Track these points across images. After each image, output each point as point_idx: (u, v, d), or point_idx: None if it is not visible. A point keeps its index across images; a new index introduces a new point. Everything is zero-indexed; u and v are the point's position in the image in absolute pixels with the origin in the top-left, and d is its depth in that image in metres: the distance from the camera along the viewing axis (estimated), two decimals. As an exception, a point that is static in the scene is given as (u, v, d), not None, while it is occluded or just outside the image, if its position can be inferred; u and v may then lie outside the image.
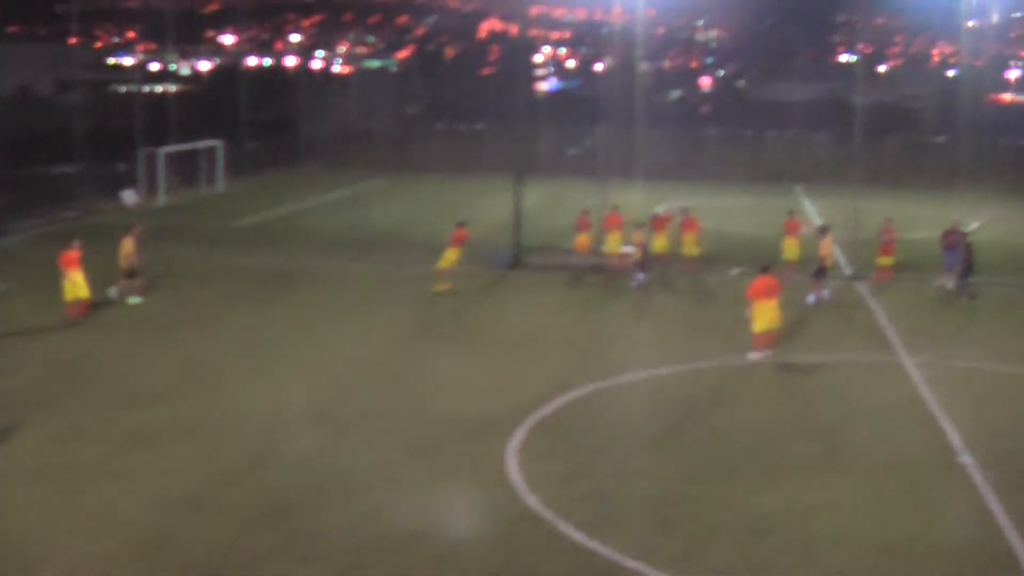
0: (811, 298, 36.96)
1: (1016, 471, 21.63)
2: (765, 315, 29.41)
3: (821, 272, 37.51)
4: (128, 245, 34.68)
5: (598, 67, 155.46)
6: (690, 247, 41.98)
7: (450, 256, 37.88)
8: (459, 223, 39.14)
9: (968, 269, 38.47)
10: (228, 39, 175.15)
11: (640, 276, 39.80)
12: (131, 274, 34.64)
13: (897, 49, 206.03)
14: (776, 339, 29.81)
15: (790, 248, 41.39)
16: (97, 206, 55.08)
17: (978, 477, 21.17)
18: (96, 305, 32.95)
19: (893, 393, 26.96)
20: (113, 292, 34.48)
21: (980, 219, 56.28)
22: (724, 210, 60.74)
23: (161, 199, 59.11)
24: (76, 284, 31.92)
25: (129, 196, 57.91)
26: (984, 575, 17.13)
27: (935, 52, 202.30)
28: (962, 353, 30.94)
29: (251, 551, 17.30)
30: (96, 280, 32.93)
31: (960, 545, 18.16)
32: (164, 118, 66.52)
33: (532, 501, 19.49)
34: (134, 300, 34.53)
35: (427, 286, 37.86)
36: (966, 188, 73.67)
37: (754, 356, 29.55)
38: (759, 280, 29.94)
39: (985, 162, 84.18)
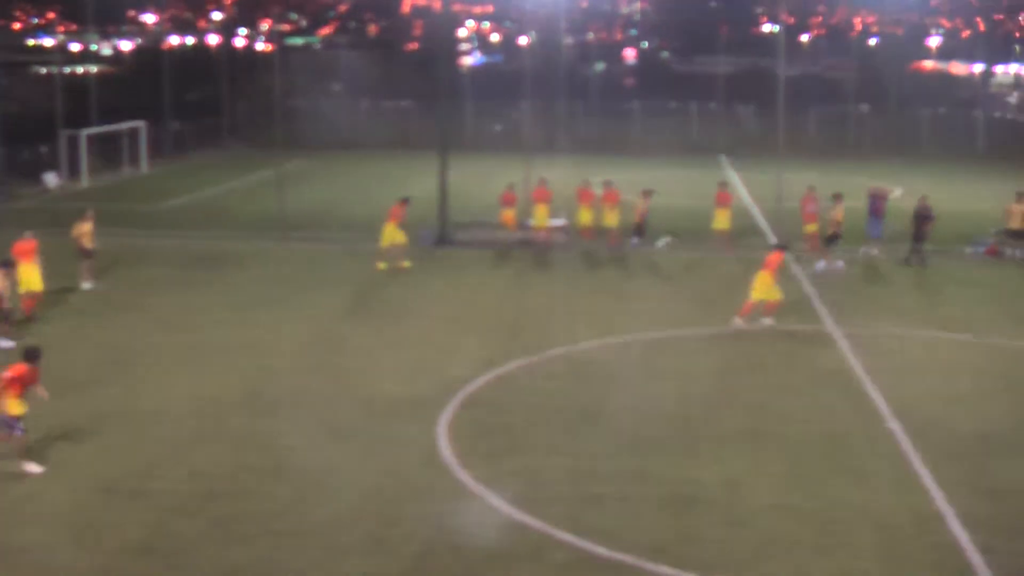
0: (821, 264, 37.44)
1: (942, 436, 21.89)
2: (764, 285, 30.10)
3: (834, 239, 38.08)
4: (85, 227, 34.20)
5: (522, 41, 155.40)
6: (611, 219, 42.09)
7: (389, 233, 37.79)
8: (401, 200, 39.18)
9: (921, 235, 39.17)
10: (150, 18, 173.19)
11: (636, 240, 41.55)
12: (88, 255, 34.16)
13: (819, 19, 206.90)
14: (773, 309, 30.39)
15: (721, 219, 41.64)
16: (18, 191, 54.42)
17: (905, 443, 21.42)
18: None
19: (820, 362, 27.21)
20: (87, 285, 34.15)
21: (902, 187, 56.88)
22: (649, 182, 60.88)
23: (84, 182, 58.49)
24: (30, 277, 30.52)
25: (51, 179, 57.24)
26: (913, 539, 17.31)
27: (857, 22, 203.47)
28: (887, 321, 31.28)
29: (181, 535, 17.21)
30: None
31: (889, 511, 18.35)
32: (86, 100, 65.66)
33: (463, 477, 19.51)
34: (87, 285, 34.16)
35: (355, 265, 37.80)
36: (890, 157, 74.46)
37: (737, 322, 30.15)
38: (774, 254, 31.07)
39: (908, 130, 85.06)
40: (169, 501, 18.50)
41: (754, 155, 70.21)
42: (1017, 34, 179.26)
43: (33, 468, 19.79)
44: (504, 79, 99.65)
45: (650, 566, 16.21)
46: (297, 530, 17.43)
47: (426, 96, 75.93)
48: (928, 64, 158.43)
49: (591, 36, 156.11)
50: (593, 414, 23.12)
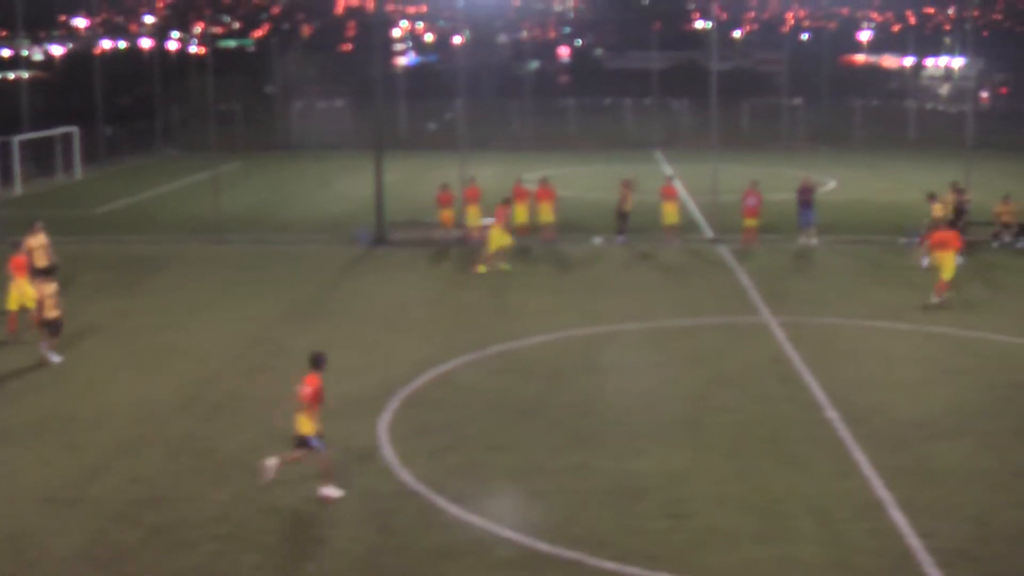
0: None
1: (880, 423, 22.09)
2: (945, 264, 32.02)
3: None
4: (35, 241, 32.99)
5: (456, 40, 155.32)
6: (546, 216, 42.16)
7: (497, 237, 37.36)
8: (503, 201, 39.15)
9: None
10: (81, 23, 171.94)
11: (621, 237, 42.05)
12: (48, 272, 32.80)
13: (751, 14, 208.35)
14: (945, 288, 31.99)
15: (669, 213, 41.88)
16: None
17: (844, 431, 21.60)
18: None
19: (758, 353, 27.38)
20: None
21: (835, 178, 57.37)
22: (585, 178, 61.12)
23: (18, 189, 57.88)
24: (24, 292, 29.16)
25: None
26: (853, 526, 17.44)
27: (788, 16, 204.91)
28: (823, 310, 31.54)
29: (122, 542, 17.06)
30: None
31: (829, 498, 18.49)
32: (17, 105, 65.03)
33: (405, 476, 19.48)
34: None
35: (293, 267, 37.73)
36: (822, 148, 75.04)
37: (935, 300, 31.98)
38: (939, 234, 33.19)
39: (840, 122, 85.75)
40: (109, 508, 18.33)
41: (688, 149, 70.59)
42: (947, 27, 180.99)
43: (333, 492, 18.69)
44: (438, 78, 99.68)
45: (593, 560, 16.24)
46: (239, 534, 17.33)
47: (360, 96, 75.86)
48: (859, 57, 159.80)
49: (525, 34, 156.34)
50: (534, 410, 23.15)
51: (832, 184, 56.84)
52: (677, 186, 43.50)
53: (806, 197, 41.69)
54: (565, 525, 17.46)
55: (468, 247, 40.87)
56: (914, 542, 16.78)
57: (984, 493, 18.88)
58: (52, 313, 26.99)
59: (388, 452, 20.64)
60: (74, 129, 65.58)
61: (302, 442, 18.57)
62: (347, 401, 23.52)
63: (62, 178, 64.17)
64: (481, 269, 37.06)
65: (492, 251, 37.27)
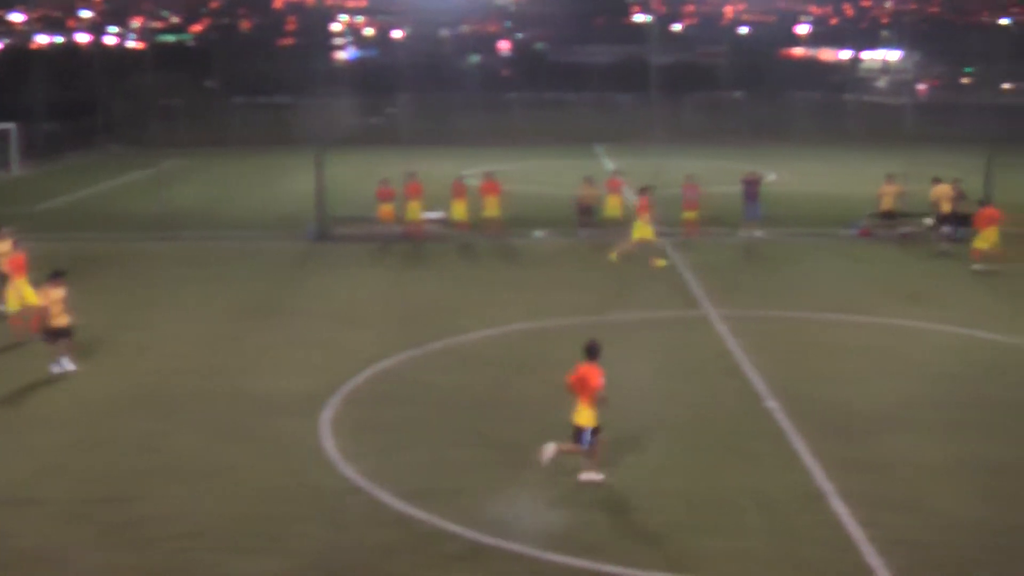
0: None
1: (821, 414, 22.31)
2: (987, 238, 36.07)
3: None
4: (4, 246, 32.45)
5: (396, 34, 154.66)
6: (491, 210, 42.23)
7: (640, 229, 37.36)
8: (641, 189, 38.90)
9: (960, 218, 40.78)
10: (18, 17, 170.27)
11: (583, 232, 42.14)
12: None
13: (691, 8, 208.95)
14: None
15: (612, 206, 42.13)
16: None
17: (785, 423, 21.80)
18: None
19: (701, 346, 27.56)
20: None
21: (776, 171, 57.75)
22: (528, 173, 61.22)
23: (-46, 186, 57.42)
24: (24, 293, 28.90)
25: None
26: (797, 517, 17.63)
27: (728, 10, 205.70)
28: (766, 303, 31.79)
29: (74, 542, 16.97)
30: None
31: (773, 490, 18.67)
32: (-49, 102, 64.54)
33: (351, 473, 19.48)
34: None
35: (238, 264, 37.62)
36: (763, 141, 75.51)
37: (976, 267, 35.85)
38: (985, 210, 36.67)
39: (780, 115, 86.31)
40: (60, 508, 18.22)
41: (631, 143, 70.83)
42: (884, 20, 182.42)
43: (594, 477, 18.91)
44: (380, 73, 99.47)
45: (540, 554, 16.33)
46: (191, 533, 17.29)
47: (301, 91, 75.63)
48: (798, 51, 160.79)
49: (466, 28, 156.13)
50: (480, 404, 23.21)
51: (773, 176, 57.20)
52: (621, 180, 43.65)
53: (752, 190, 42.02)
54: (512, 519, 17.53)
55: (411, 242, 40.87)
56: (856, 532, 16.98)
57: (926, 483, 19.14)
58: (60, 321, 25.92)
59: (335, 448, 20.64)
60: (11, 126, 64.95)
61: (579, 434, 18.61)
62: (295, 398, 23.57)
63: (0, 175, 63.58)
64: (612, 257, 37.67)
65: (634, 241, 37.35)
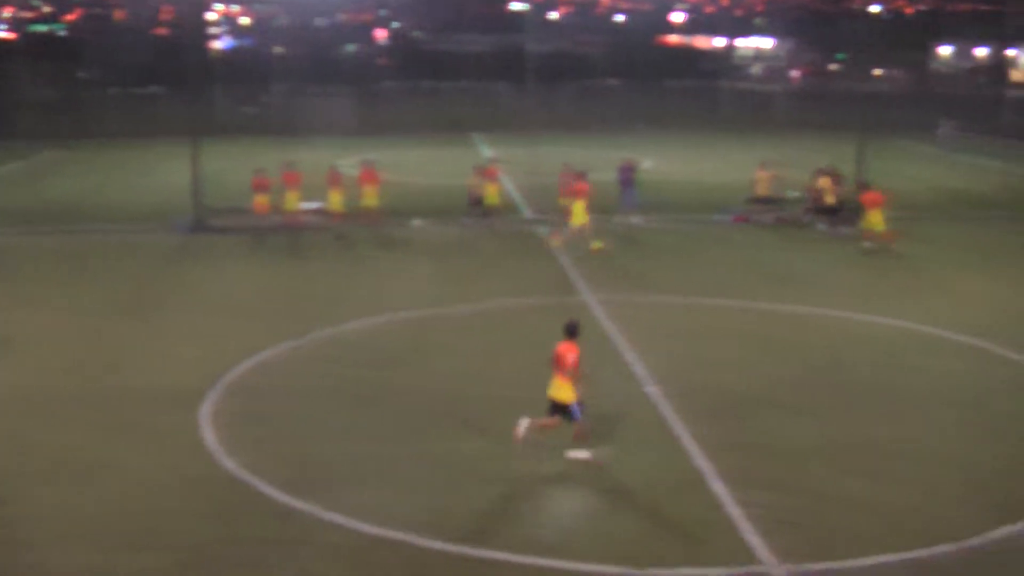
0: None
1: (700, 398, 22.53)
2: (874, 220, 37.25)
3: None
4: None
5: (273, 23, 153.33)
6: (370, 199, 42.02)
7: (579, 213, 37.40)
8: (578, 173, 39.13)
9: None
10: None
11: (468, 220, 41.89)
12: None
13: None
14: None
15: (491, 194, 42.16)
16: None
17: (665, 406, 21.97)
18: None
19: (581, 332, 27.63)
20: None
21: (652, 158, 58.15)
22: (405, 162, 61.07)
23: None
24: None
25: None
26: (677, 498, 17.78)
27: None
28: (644, 288, 32.02)
29: (-59, 541, 16.66)
30: None
31: (653, 472, 18.81)
32: None
33: (231, 466, 19.27)
34: None
35: (114, 257, 37.05)
36: (640, 128, 76.04)
37: (866, 245, 37.17)
38: (868, 194, 38.02)
39: (656, 103, 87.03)
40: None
41: (509, 131, 70.95)
42: (759, 8, 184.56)
43: (583, 454, 19.27)
44: (255, 62, 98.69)
45: (423, 541, 16.29)
46: (69, 531, 16.96)
47: (176, 81, 74.79)
48: (674, 39, 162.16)
49: (342, 17, 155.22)
50: (361, 394, 23.09)
51: (649, 163, 57.59)
52: (498, 168, 43.69)
53: (628, 176, 42.28)
54: (394, 508, 17.47)
55: (288, 232, 40.57)
56: (735, 511, 17.17)
57: (803, 462, 19.43)
58: None
59: (216, 441, 20.40)
60: None
61: (561, 409, 19.04)
62: (172, 391, 23.25)
63: None
64: (555, 243, 38.05)
65: (575, 227, 37.53)
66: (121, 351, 26.56)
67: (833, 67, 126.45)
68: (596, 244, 37.34)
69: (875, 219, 37.27)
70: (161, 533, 16.82)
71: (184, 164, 44.38)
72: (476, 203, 42.03)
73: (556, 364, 19.24)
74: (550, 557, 15.86)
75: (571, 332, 19.54)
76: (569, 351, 19.18)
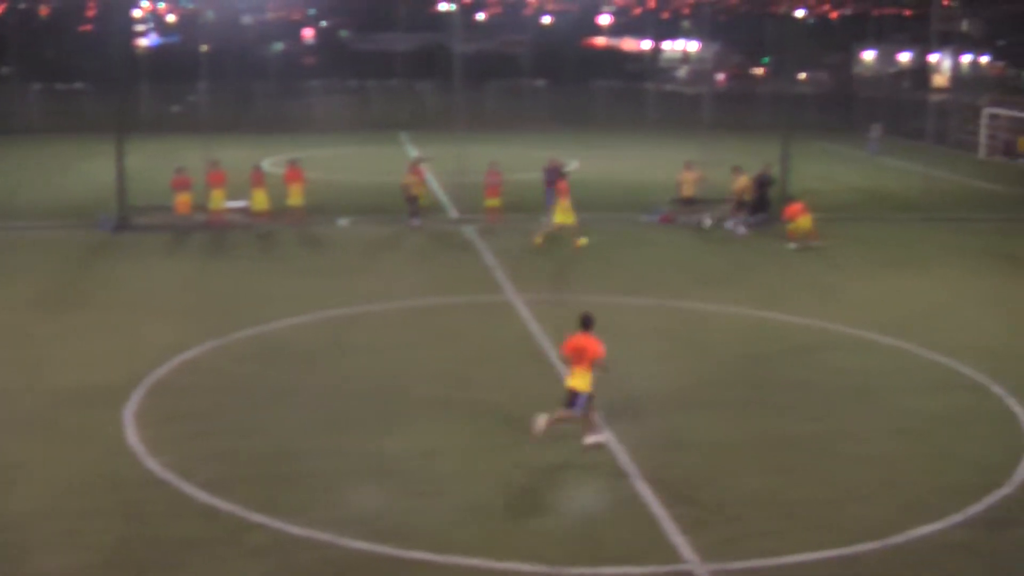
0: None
1: (622, 396, 22.57)
2: (800, 226, 38.32)
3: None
4: None
5: (200, 21, 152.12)
6: (295, 198, 41.87)
7: (563, 213, 38.30)
8: (563, 174, 40.48)
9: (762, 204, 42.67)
10: None
11: (416, 221, 41.32)
12: None
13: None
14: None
15: (421, 191, 42.12)
16: None
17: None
18: None
19: (504, 331, 27.76)
20: None
21: (579, 159, 58.33)
22: (331, 160, 60.91)
23: None
24: None
25: None
26: (600, 497, 17.88)
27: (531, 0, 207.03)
28: (568, 288, 32.14)
29: None
30: None
31: (577, 470, 18.93)
32: None
33: (153, 465, 19.16)
34: None
35: (34, 254, 36.69)
36: (566, 129, 76.22)
37: (792, 246, 37.91)
38: (790, 207, 39.23)
39: (582, 104, 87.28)
40: None
41: (434, 130, 70.90)
42: (686, 11, 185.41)
43: (598, 438, 19.69)
44: (182, 59, 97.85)
45: (346, 540, 16.29)
46: (-15, 532, 16.85)
47: (101, 78, 74.00)
48: (601, 40, 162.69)
49: (270, 15, 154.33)
50: (285, 393, 23.02)
51: (575, 164, 57.69)
52: (424, 168, 43.63)
53: (553, 177, 42.37)
54: (317, 507, 17.45)
55: (212, 231, 40.36)
56: (658, 510, 17.31)
57: (724, 460, 19.63)
58: None
59: (136, 440, 20.26)
60: None
61: (574, 398, 19.41)
62: (94, 390, 23.06)
63: None
64: (538, 241, 38.27)
65: (557, 225, 38.17)
66: (43, 349, 26.31)
67: (758, 70, 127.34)
68: (582, 240, 37.90)
69: (801, 224, 38.01)
70: (82, 534, 16.69)
71: (109, 161, 43.95)
72: (411, 201, 41.75)
73: (575, 356, 19.59)
74: (473, 556, 15.90)
75: (587, 324, 19.94)
76: (592, 343, 19.59)
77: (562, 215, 38.03)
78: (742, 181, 41.76)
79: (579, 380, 19.41)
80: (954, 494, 18.27)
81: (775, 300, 31.16)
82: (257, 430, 20.98)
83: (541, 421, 19.55)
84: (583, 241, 37.89)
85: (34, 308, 30.11)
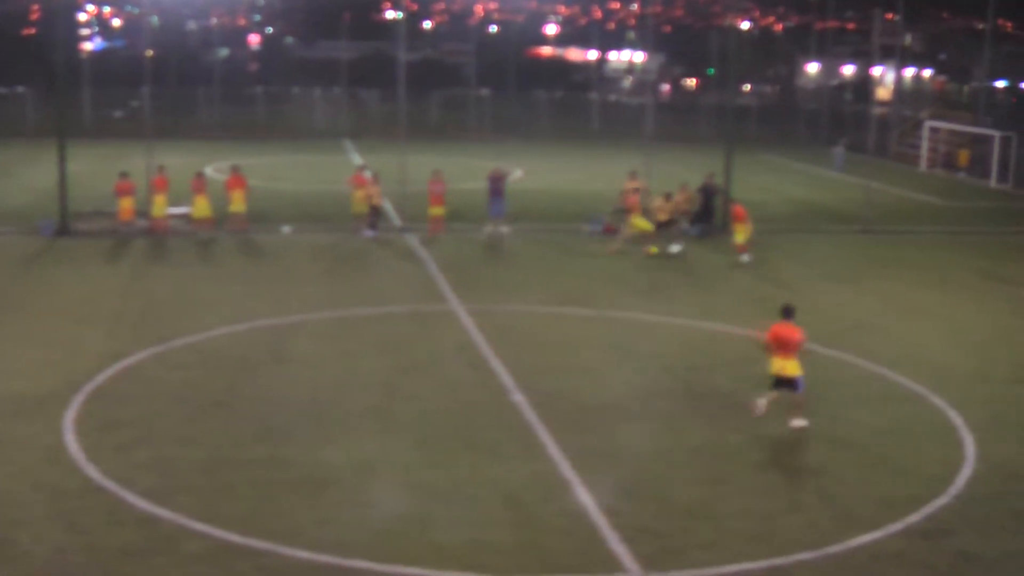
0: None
1: (564, 406, 22.70)
2: (742, 232, 38.60)
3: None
4: None
5: (143, 26, 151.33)
6: (237, 205, 41.70)
7: (639, 222, 39.64)
8: (635, 189, 40.97)
9: (706, 214, 43.18)
10: None
11: (371, 232, 41.07)
12: None
13: (441, 6, 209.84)
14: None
15: (358, 202, 42.03)
16: None
17: (530, 415, 22.11)
18: None
19: (446, 340, 27.74)
20: None
21: (522, 168, 58.42)
22: (273, 168, 60.73)
23: None
24: None
25: None
26: (542, 507, 17.87)
27: (478, 9, 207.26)
28: (511, 298, 32.18)
29: None
30: None
31: (516, 481, 18.90)
32: None
33: (92, 473, 19.01)
34: None
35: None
36: (509, 138, 76.30)
37: (744, 259, 38.23)
38: (734, 208, 39.66)
39: (526, 113, 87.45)
40: None
41: (378, 139, 70.86)
42: (632, 22, 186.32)
43: (802, 423, 21.76)
44: (125, 64, 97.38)
45: (285, 550, 16.23)
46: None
47: (43, 82, 73.49)
48: (546, 50, 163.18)
49: (215, 21, 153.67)
50: (224, 402, 22.91)
51: (519, 173, 57.83)
52: (367, 176, 43.51)
53: (497, 186, 42.43)
54: (256, 517, 17.37)
55: (153, 237, 40.12)
56: (600, 520, 17.35)
57: (664, 470, 19.70)
58: None
59: (74, 448, 20.10)
60: None
61: (788, 383, 21.45)
62: (29, 398, 22.84)
63: None
64: (653, 251, 39.46)
65: (630, 234, 39.47)
66: (-20, 356, 26.06)
67: (692, 81, 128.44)
68: (652, 249, 39.20)
69: (742, 231, 38.33)
70: (17, 543, 16.52)
71: (50, 166, 43.64)
72: (373, 211, 41.40)
73: (779, 345, 21.43)
74: (415, 566, 15.87)
75: (788, 314, 21.74)
76: (794, 331, 21.45)
77: (638, 224, 39.51)
78: (682, 195, 41.96)
79: (791, 366, 21.35)
80: (892, 504, 18.41)
81: (714, 311, 31.34)
82: (195, 438, 20.85)
83: (762, 403, 21.47)
84: (653, 250, 38.98)
85: (-29, 314, 29.79)
